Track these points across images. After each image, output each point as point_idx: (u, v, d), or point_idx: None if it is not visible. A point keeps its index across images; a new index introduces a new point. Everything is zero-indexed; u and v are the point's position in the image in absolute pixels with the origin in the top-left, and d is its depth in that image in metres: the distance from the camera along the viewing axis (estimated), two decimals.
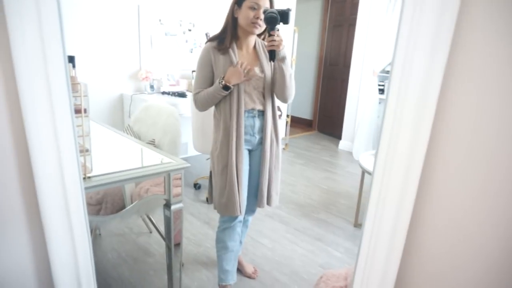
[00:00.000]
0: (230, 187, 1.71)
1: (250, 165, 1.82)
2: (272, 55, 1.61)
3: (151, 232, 2.60)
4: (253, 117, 1.74)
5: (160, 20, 3.87)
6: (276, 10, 1.56)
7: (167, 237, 1.72)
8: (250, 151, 1.81)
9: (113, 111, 3.80)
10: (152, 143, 2.00)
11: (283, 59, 1.64)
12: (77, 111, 1.27)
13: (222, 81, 1.61)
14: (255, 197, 1.85)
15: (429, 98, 0.81)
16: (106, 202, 1.98)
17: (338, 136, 5.34)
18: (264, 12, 1.56)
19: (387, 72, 4.63)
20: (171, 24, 3.98)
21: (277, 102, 1.82)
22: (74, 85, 1.23)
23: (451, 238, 0.88)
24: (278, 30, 1.57)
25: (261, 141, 1.78)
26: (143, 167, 1.53)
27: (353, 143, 4.85)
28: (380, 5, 4.31)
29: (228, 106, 1.68)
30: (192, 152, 4.31)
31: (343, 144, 5.16)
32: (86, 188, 1.32)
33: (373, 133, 4.68)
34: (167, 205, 1.62)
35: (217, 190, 1.78)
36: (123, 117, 3.85)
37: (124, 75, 3.78)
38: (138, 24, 3.73)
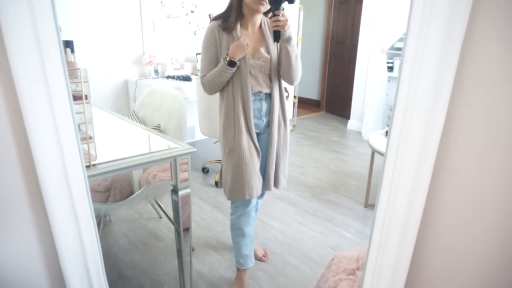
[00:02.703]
0: (238, 171, 1.68)
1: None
2: (277, 35, 1.55)
3: (160, 217, 2.60)
4: (260, 100, 1.70)
5: (161, 2, 3.79)
6: None
7: (175, 222, 1.71)
8: (257, 134, 1.78)
9: (118, 97, 3.77)
10: (158, 128, 1.97)
11: (288, 39, 1.58)
12: (78, 97, 1.24)
13: (226, 58, 1.56)
14: (263, 180, 1.82)
15: (446, 75, 0.76)
16: (114, 188, 1.98)
17: (347, 116, 5.27)
18: None
19: (396, 49, 4.51)
20: (173, 6, 3.89)
21: (284, 83, 1.77)
22: (73, 70, 1.19)
23: (468, 221, 0.84)
24: (283, 9, 1.50)
25: (269, 124, 1.76)
26: (148, 153, 1.50)
27: (362, 122, 4.78)
28: None
29: (230, 90, 1.65)
30: (199, 136, 4.29)
31: (351, 124, 5.09)
32: (91, 176, 1.31)
33: (382, 112, 4.60)
34: (175, 191, 1.59)
35: (225, 175, 1.77)
36: (128, 103, 3.83)
37: (128, 60, 3.73)
38: (140, 7, 3.66)
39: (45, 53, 0.82)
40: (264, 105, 1.72)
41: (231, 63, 1.56)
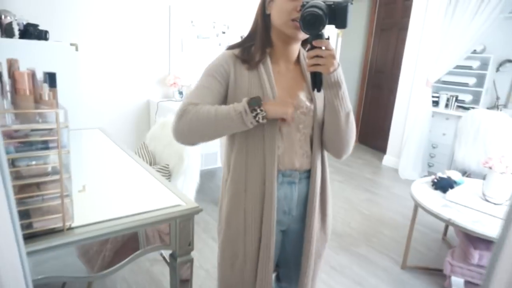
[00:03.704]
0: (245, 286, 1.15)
1: (282, 247, 1.23)
2: (318, 80, 0.96)
3: (167, 261, 2.32)
4: (291, 183, 1.09)
5: (192, 22, 3.61)
6: (323, 1, 0.89)
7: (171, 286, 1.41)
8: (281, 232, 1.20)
9: (139, 118, 3.59)
10: (166, 169, 1.70)
11: (335, 86, 0.96)
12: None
13: (251, 103, 0.96)
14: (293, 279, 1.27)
15: None
16: None
17: (383, 150, 4.85)
18: (302, 6, 0.90)
19: (444, 82, 4.10)
20: (203, 26, 3.71)
21: None
22: (48, 113, 0.94)
23: None
24: (327, 38, 0.92)
25: (301, 218, 1.14)
26: (142, 212, 1.22)
27: (400, 159, 4.35)
28: (437, 8, 3.80)
29: (242, 157, 1.06)
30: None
31: (387, 159, 4.67)
32: (65, 244, 1.04)
33: (423, 149, 4.17)
34: (173, 256, 1.30)
35: (222, 274, 1.20)
36: (149, 125, 3.63)
37: (152, 80, 3.56)
38: (169, 26, 3.49)
39: None
40: (296, 192, 1.10)
41: (247, 112, 0.95)
